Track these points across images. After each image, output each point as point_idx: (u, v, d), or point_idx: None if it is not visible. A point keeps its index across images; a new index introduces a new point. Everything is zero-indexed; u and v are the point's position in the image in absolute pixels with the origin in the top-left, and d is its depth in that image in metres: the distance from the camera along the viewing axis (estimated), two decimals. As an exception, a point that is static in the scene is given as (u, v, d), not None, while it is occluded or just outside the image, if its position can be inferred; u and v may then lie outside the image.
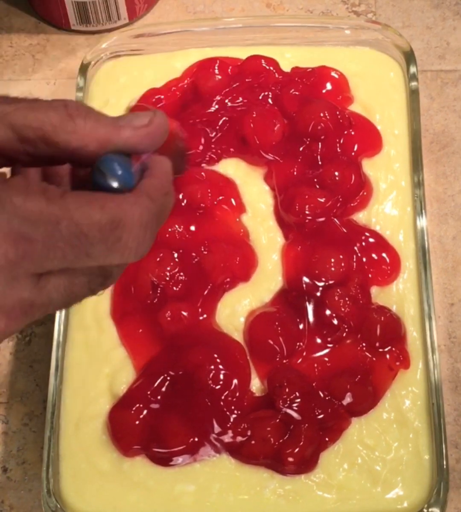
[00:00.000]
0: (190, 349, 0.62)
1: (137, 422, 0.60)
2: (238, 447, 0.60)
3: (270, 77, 0.74)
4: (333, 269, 0.65)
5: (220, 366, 0.61)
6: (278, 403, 0.60)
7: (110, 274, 0.47)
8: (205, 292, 0.65)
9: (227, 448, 0.60)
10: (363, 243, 0.67)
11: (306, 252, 0.66)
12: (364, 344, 0.63)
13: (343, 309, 0.63)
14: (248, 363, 0.63)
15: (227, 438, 0.60)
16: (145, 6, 0.86)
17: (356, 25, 0.77)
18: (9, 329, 0.42)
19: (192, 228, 0.66)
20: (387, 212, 0.69)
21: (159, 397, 0.61)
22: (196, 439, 0.60)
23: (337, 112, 0.71)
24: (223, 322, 0.65)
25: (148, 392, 0.61)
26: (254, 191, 0.70)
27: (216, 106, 0.72)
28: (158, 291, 0.64)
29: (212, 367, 0.61)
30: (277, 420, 0.60)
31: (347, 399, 0.61)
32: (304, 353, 0.63)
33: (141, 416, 0.60)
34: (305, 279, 0.65)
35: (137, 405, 0.61)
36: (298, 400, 0.60)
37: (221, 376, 0.61)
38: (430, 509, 0.58)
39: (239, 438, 0.60)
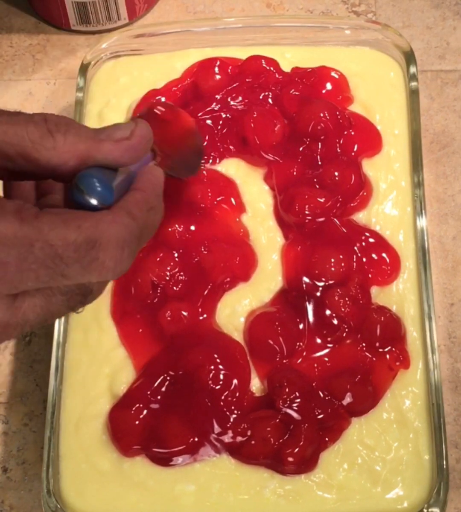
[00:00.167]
0: (190, 349, 0.62)
1: (137, 422, 0.60)
2: (238, 447, 0.60)
3: (270, 77, 0.74)
4: (333, 269, 0.65)
5: (220, 366, 0.61)
6: (278, 403, 0.60)
7: (90, 291, 0.46)
8: (205, 292, 0.65)
9: (227, 448, 0.60)
10: (363, 243, 0.67)
11: (306, 252, 0.66)
12: (364, 344, 0.63)
13: (343, 309, 0.63)
14: (248, 363, 0.63)
15: (227, 438, 0.60)
16: (145, 6, 0.86)
17: (356, 25, 0.77)
18: None
19: (192, 228, 0.66)
20: (387, 212, 0.69)
21: (159, 397, 0.61)
22: (196, 439, 0.60)
23: (337, 112, 0.71)
24: (223, 322, 0.65)
25: (148, 392, 0.61)
26: (254, 191, 0.70)
27: (217, 106, 0.72)
28: (158, 291, 0.64)
29: (212, 367, 0.61)
30: (277, 420, 0.60)
31: (347, 399, 0.61)
32: (304, 353, 0.63)
33: (141, 416, 0.60)
34: (305, 279, 0.65)
35: (137, 405, 0.61)
36: (298, 400, 0.60)
37: (221, 376, 0.61)
38: (430, 509, 0.58)
39: (239, 438, 0.60)
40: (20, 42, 0.87)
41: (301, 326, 0.64)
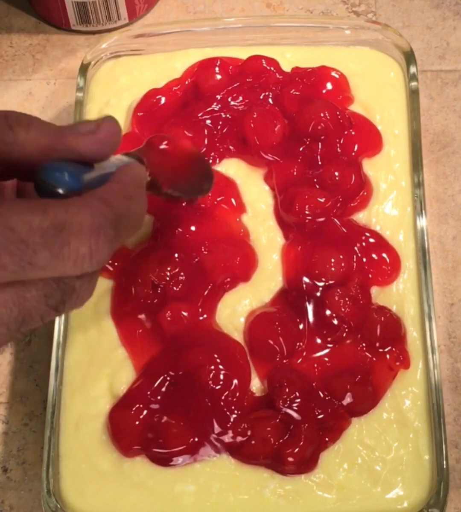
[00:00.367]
0: (190, 349, 0.62)
1: (137, 422, 0.60)
2: (238, 447, 0.60)
3: (270, 77, 0.74)
4: (333, 269, 0.65)
5: (220, 366, 0.61)
6: (278, 403, 0.60)
7: (71, 288, 0.43)
8: (205, 292, 0.65)
9: (227, 448, 0.60)
10: (363, 243, 0.67)
11: (306, 252, 0.66)
12: (364, 344, 0.63)
13: (343, 309, 0.63)
14: (248, 363, 0.63)
15: (227, 438, 0.60)
16: (145, 6, 0.86)
17: (356, 25, 0.77)
18: None
19: (192, 228, 0.66)
20: (387, 212, 0.69)
21: (159, 397, 0.61)
22: (196, 439, 0.60)
23: (337, 112, 0.71)
24: (223, 322, 0.65)
25: (148, 392, 0.61)
26: (254, 191, 0.70)
27: (217, 106, 0.72)
28: (158, 291, 0.64)
29: (212, 367, 0.61)
30: (277, 420, 0.60)
31: (347, 399, 0.61)
32: (304, 353, 0.63)
33: (141, 416, 0.60)
34: (305, 279, 0.65)
35: (137, 405, 0.61)
36: (298, 400, 0.60)
37: (221, 376, 0.61)
38: (430, 509, 0.58)
39: (239, 438, 0.60)
40: (20, 42, 0.87)
41: (301, 326, 0.64)
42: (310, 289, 0.65)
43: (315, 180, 0.69)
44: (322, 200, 0.68)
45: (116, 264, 0.66)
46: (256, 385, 0.63)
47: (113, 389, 0.63)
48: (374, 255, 0.66)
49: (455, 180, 0.77)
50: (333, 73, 0.74)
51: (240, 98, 0.73)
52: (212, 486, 0.60)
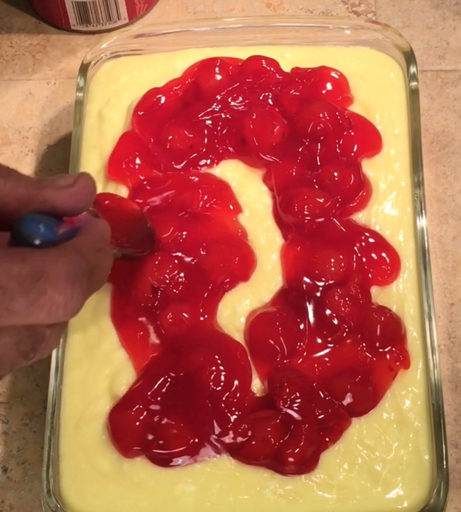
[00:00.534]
0: (191, 350, 0.62)
1: (137, 423, 0.60)
2: (238, 448, 0.60)
3: (270, 77, 0.74)
4: (333, 269, 0.65)
5: (221, 367, 0.61)
6: (278, 403, 0.60)
7: (41, 336, 0.44)
8: (206, 293, 0.65)
9: (227, 448, 0.60)
10: (363, 243, 0.67)
11: (305, 252, 0.66)
12: (364, 344, 0.63)
13: (343, 309, 0.63)
14: (249, 364, 0.63)
15: (227, 438, 0.60)
16: (145, 6, 0.86)
17: (356, 25, 0.77)
18: None
19: (190, 230, 0.66)
20: (387, 212, 0.69)
21: (159, 398, 0.61)
22: (196, 440, 0.60)
23: (337, 113, 0.71)
24: (224, 322, 0.65)
25: (149, 393, 0.61)
26: (252, 192, 0.70)
27: (217, 106, 0.72)
28: (158, 294, 0.64)
29: (213, 368, 0.61)
30: (278, 421, 0.60)
31: (347, 399, 0.61)
32: (305, 353, 0.63)
33: (141, 417, 0.60)
34: (305, 279, 0.65)
35: (137, 406, 0.61)
36: (299, 400, 0.60)
37: (222, 377, 0.61)
38: (430, 509, 0.58)
39: (239, 439, 0.60)
40: (20, 42, 0.87)
41: (301, 326, 0.64)
42: (310, 289, 0.65)
43: (314, 180, 0.69)
44: (321, 201, 0.68)
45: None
46: (256, 385, 0.63)
47: (113, 389, 0.62)
48: (374, 255, 0.66)
49: (455, 180, 0.77)
50: (332, 74, 0.74)
51: (240, 99, 0.73)
52: (212, 487, 0.60)
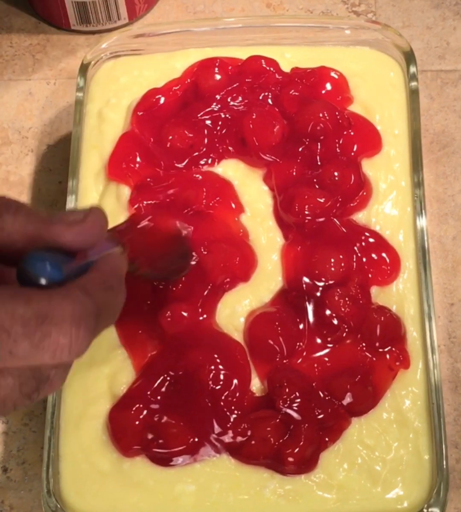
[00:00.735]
0: (190, 349, 0.62)
1: (137, 422, 0.60)
2: (238, 447, 0.60)
3: (270, 77, 0.74)
4: (333, 269, 0.65)
5: (220, 366, 0.61)
6: (278, 403, 0.60)
7: (46, 377, 0.43)
8: (205, 293, 0.65)
9: (227, 448, 0.60)
10: (363, 243, 0.67)
11: (306, 252, 0.66)
12: (364, 344, 0.63)
13: (343, 309, 0.63)
14: (248, 363, 0.63)
15: (227, 438, 0.60)
16: (145, 6, 0.86)
17: (356, 25, 0.77)
18: None
19: (191, 229, 0.66)
20: (387, 212, 0.69)
21: (159, 398, 0.61)
22: (196, 440, 0.60)
23: (337, 113, 0.71)
24: (223, 322, 0.65)
25: (148, 392, 0.61)
26: (253, 192, 0.70)
27: (217, 106, 0.72)
28: (158, 292, 0.64)
29: (213, 367, 0.61)
30: (277, 420, 0.60)
31: (347, 399, 0.61)
32: (304, 353, 0.63)
33: (141, 416, 0.60)
34: (305, 279, 0.65)
35: (137, 405, 0.61)
36: (298, 400, 0.60)
37: (221, 376, 0.61)
38: (430, 509, 0.58)
39: (239, 438, 0.60)
40: (20, 42, 0.87)
41: (301, 326, 0.64)
42: (310, 289, 0.65)
43: (314, 180, 0.69)
44: (321, 200, 0.68)
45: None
46: (256, 385, 0.63)
47: (113, 389, 0.62)
48: (374, 255, 0.66)
49: (455, 180, 0.77)
50: (332, 74, 0.74)
51: (240, 99, 0.73)
52: (212, 486, 0.60)
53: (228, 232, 0.67)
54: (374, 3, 0.87)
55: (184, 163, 0.71)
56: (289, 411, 0.60)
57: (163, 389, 0.61)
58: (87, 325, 0.42)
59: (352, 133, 0.71)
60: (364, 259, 0.66)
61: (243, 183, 0.70)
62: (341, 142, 0.70)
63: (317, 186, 0.69)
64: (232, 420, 0.60)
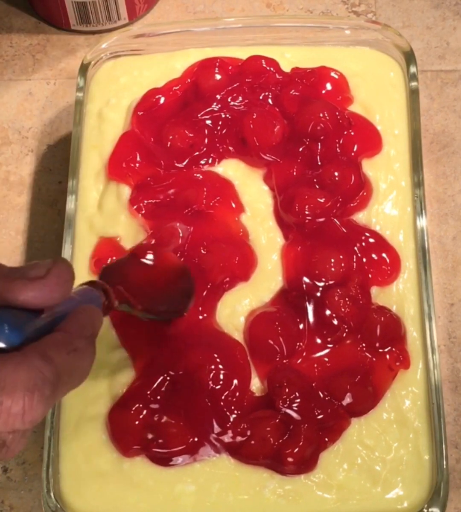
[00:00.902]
0: (190, 349, 0.62)
1: (137, 422, 0.60)
2: (238, 447, 0.60)
3: (270, 77, 0.74)
4: (333, 269, 0.65)
5: (220, 366, 0.61)
6: (278, 403, 0.60)
7: (2, 442, 0.42)
8: (205, 292, 0.65)
9: (227, 448, 0.60)
10: (363, 243, 0.67)
11: (306, 252, 0.66)
12: (364, 344, 0.63)
13: (343, 309, 0.63)
14: (248, 363, 0.63)
15: (227, 438, 0.60)
16: (145, 6, 0.86)
17: (356, 25, 0.76)
18: None
19: (191, 228, 0.66)
20: (387, 212, 0.69)
21: (159, 397, 0.61)
22: (196, 439, 0.60)
23: (337, 113, 0.71)
24: (223, 321, 0.65)
25: (148, 392, 0.61)
26: (253, 192, 0.70)
27: (217, 106, 0.72)
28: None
29: (212, 367, 0.61)
30: (277, 420, 0.60)
31: (347, 399, 0.61)
32: (304, 353, 0.63)
33: (141, 416, 0.60)
34: (305, 279, 0.65)
35: (137, 405, 0.61)
36: (298, 400, 0.60)
37: (221, 376, 0.61)
38: (430, 509, 0.58)
39: (239, 438, 0.60)
40: (20, 42, 0.87)
41: (301, 326, 0.64)
42: (310, 289, 0.65)
43: (314, 180, 0.69)
44: (322, 200, 0.68)
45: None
46: (256, 385, 0.63)
47: (113, 389, 0.62)
48: (374, 255, 0.66)
49: (455, 180, 0.77)
50: (332, 74, 0.74)
51: (240, 98, 0.73)
52: (212, 486, 0.60)
53: (228, 232, 0.67)
54: (374, 3, 0.86)
55: (184, 163, 0.71)
56: (288, 411, 0.60)
57: (163, 389, 0.61)
58: (42, 393, 0.40)
59: (352, 133, 0.71)
60: (364, 259, 0.66)
61: (243, 183, 0.70)
62: (341, 142, 0.70)
63: (317, 186, 0.69)
64: (231, 420, 0.60)
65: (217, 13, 0.87)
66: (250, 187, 0.70)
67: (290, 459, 0.59)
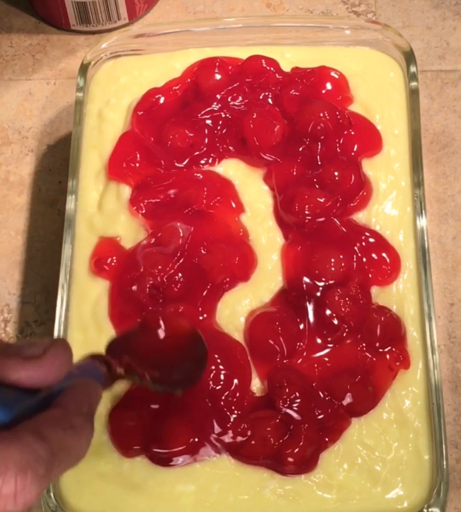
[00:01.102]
0: (190, 349, 0.62)
1: (137, 423, 0.60)
2: (238, 447, 0.60)
3: (270, 77, 0.74)
4: (333, 269, 0.65)
5: (221, 367, 0.61)
6: (278, 403, 0.60)
7: None
8: (205, 293, 0.65)
9: (227, 448, 0.60)
10: (363, 243, 0.67)
11: (306, 252, 0.66)
12: (364, 344, 0.63)
13: (343, 309, 0.63)
14: (248, 363, 0.63)
15: (227, 438, 0.60)
16: (145, 6, 0.86)
17: (356, 25, 0.77)
18: None
19: (191, 229, 0.66)
20: (387, 212, 0.69)
21: (159, 398, 0.61)
22: (196, 440, 0.60)
23: (337, 112, 0.71)
24: (224, 322, 0.65)
25: (148, 393, 0.61)
26: (253, 192, 0.70)
27: (217, 106, 0.72)
28: (157, 293, 0.64)
29: (213, 367, 0.61)
30: (277, 420, 0.60)
31: (347, 399, 0.61)
32: (304, 353, 0.63)
33: (141, 417, 0.60)
34: (305, 279, 0.65)
35: (137, 405, 0.61)
36: (298, 400, 0.60)
37: (222, 376, 0.61)
38: (430, 509, 0.58)
39: (239, 438, 0.60)
40: (20, 42, 0.87)
41: (301, 326, 0.64)
42: (310, 289, 0.65)
43: (314, 180, 0.69)
44: (321, 200, 0.68)
45: (113, 263, 0.66)
46: (256, 385, 0.63)
47: (113, 390, 0.62)
48: (374, 255, 0.66)
49: (455, 180, 0.77)
50: (332, 73, 0.74)
51: (240, 98, 0.73)
52: (212, 486, 0.60)
53: (228, 232, 0.67)
54: (374, 3, 0.86)
55: (184, 163, 0.71)
56: (289, 411, 0.60)
57: (163, 390, 0.61)
58: (36, 472, 0.38)
59: (352, 133, 0.71)
60: (364, 259, 0.66)
61: (243, 183, 0.70)
62: (341, 142, 0.70)
63: (317, 186, 0.69)
64: (232, 420, 0.60)
65: (217, 13, 0.87)
66: (250, 187, 0.70)
67: (290, 459, 0.59)
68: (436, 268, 0.72)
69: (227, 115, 0.72)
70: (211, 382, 0.61)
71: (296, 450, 0.59)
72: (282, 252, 0.67)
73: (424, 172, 0.70)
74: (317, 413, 0.60)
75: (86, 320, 0.65)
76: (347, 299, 0.64)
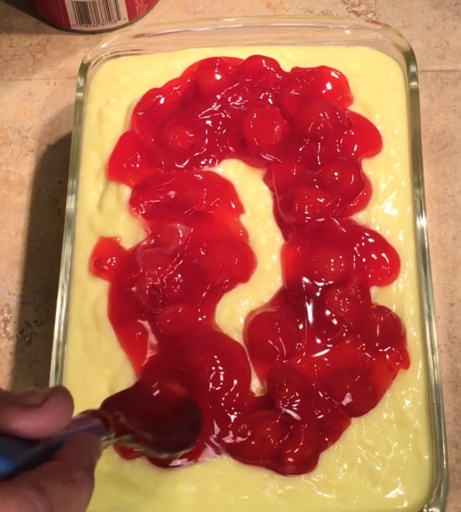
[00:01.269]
0: (190, 350, 0.62)
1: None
2: (238, 448, 0.60)
3: (270, 77, 0.74)
4: (332, 269, 0.65)
5: (220, 367, 0.61)
6: (277, 403, 0.60)
7: None
8: (204, 293, 0.65)
9: (227, 448, 0.60)
10: (363, 243, 0.67)
11: (305, 252, 0.66)
12: (364, 344, 0.63)
13: (342, 309, 0.63)
14: (248, 363, 0.63)
15: (227, 438, 0.60)
16: (145, 6, 0.86)
17: (356, 25, 0.76)
18: None
19: (191, 230, 0.66)
20: (387, 212, 0.69)
21: (159, 398, 0.61)
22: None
23: (337, 112, 0.71)
24: (223, 322, 0.65)
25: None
26: (253, 192, 0.70)
27: (217, 106, 0.72)
28: (156, 294, 0.64)
29: (212, 368, 0.61)
30: (277, 421, 0.60)
31: (347, 399, 0.61)
32: (304, 354, 0.63)
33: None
34: (305, 280, 0.65)
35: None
36: (298, 400, 0.60)
37: (221, 377, 0.61)
38: (430, 509, 0.58)
39: (239, 439, 0.60)
40: (20, 42, 0.87)
41: (300, 326, 0.64)
42: (310, 289, 0.65)
43: (314, 180, 0.69)
44: (321, 200, 0.68)
45: (112, 264, 0.66)
46: (256, 385, 0.63)
47: (113, 390, 0.62)
48: (373, 255, 0.66)
49: (455, 180, 0.77)
50: (332, 74, 0.74)
51: (240, 98, 0.73)
52: (212, 487, 0.60)
53: (228, 233, 0.67)
54: (374, 3, 0.86)
55: (184, 163, 0.71)
56: (288, 411, 0.60)
57: (163, 390, 0.61)
58: None
59: (352, 133, 0.71)
60: (364, 259, 0.66)
61: (243, 183, 0.70)
62: (341, 142, 0.70)
63: (317, 186, 0.69)
64: (232, 420, 0.60)
65: (217, 13, 0.87)
66: (250, 187, 0.70)
67: (290, 459, 0.59)
68: (436, 268, 0.72)
69: (227, 115, 0.72)
70: (210, 383, 0.61)
71: (296, 450, 0.59)
72: (281, 252, 0.67)
73: (424, 172, 0.70)
74: (317, 413, 0.60)
75: (86, 320, 0.65)
76: (346, 299, 0.64)
